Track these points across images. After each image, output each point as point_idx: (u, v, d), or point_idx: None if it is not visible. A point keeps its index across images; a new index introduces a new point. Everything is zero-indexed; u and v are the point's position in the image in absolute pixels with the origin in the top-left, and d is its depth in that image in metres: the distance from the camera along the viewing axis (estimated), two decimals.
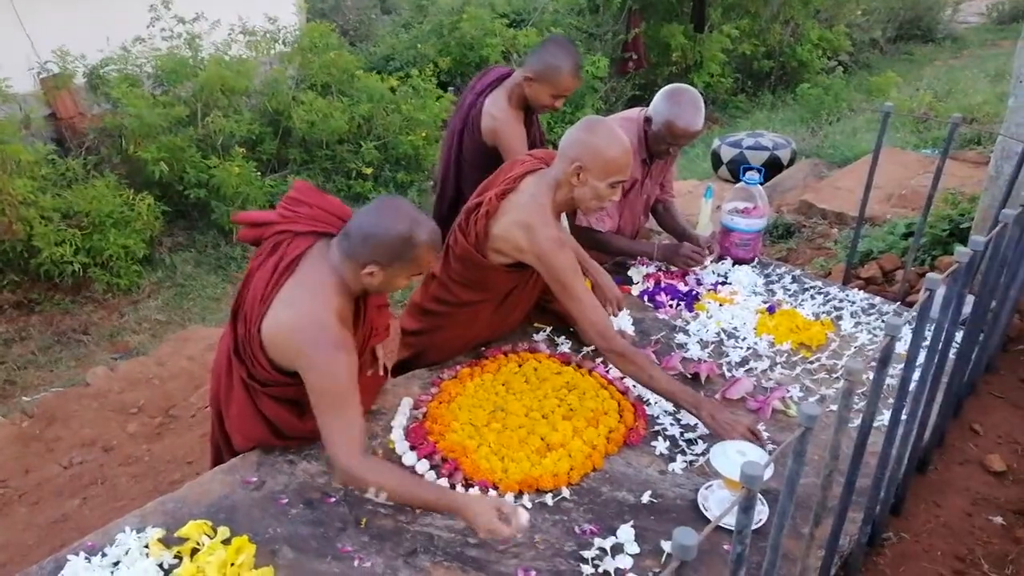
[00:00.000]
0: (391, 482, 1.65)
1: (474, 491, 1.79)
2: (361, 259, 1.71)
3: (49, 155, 5.12)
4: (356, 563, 1.61)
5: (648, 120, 2.66)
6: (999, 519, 2.09)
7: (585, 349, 2.38)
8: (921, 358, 1.69)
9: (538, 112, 2.79)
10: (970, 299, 2.15)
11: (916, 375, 1.68)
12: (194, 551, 1.60)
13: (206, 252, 5.63)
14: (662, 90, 2.66)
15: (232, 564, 1.56)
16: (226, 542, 1.62)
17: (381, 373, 2.13)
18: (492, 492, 1.79)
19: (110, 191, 5.05)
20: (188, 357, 3.90)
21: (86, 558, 1.58)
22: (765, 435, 2.01)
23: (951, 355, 2.00)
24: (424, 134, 6.72)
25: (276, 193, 5.81)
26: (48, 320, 4.76)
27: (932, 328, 1.69)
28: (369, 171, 6.44)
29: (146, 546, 1.60)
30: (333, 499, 1.78)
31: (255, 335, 1.76)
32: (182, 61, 6.04)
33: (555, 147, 2.16)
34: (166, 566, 1.57)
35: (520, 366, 2.28)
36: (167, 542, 1.62)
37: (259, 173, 5.84)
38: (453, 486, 1.81)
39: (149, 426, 3.38)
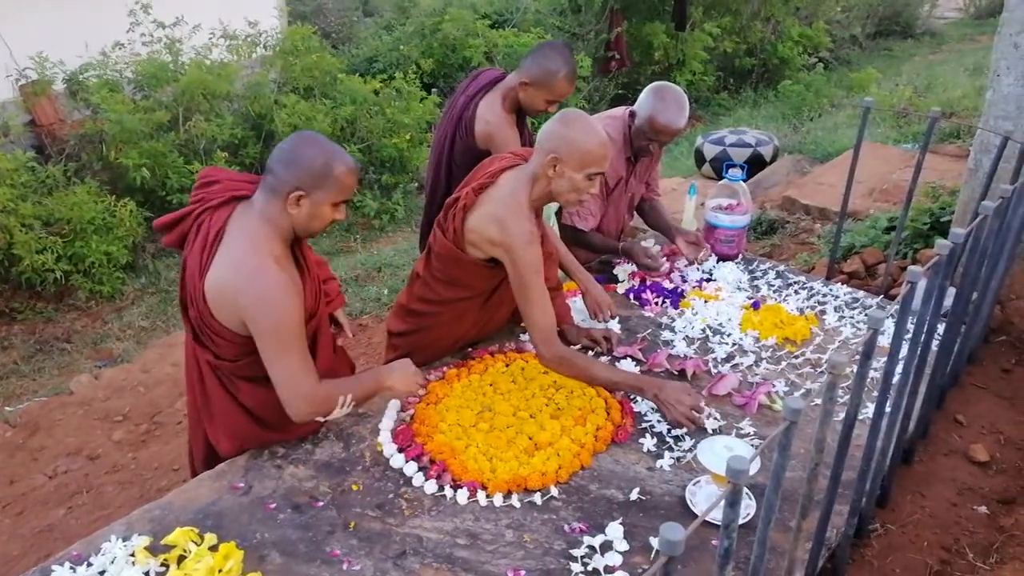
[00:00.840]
0: (341, 391, 1.81)
1: (463, 492, 1.79)
2: (285, 188, 1.72)
3: (29, 162, 5.07)
4: (345, 566, 1.60)
5: (633, 115, 2.67)
6: (983, 508, 2.11)
7: (572, 348, 2.38)
8: (904, 351, 1.70)
9: (531, 115, 2.77)
10: (951, 291, 2.17)
11: (899, 368, 1.70)
12: (181, 558, 1.59)
13: None
14: (648, 87, 2.67)
15: (220, 571, 1.54)
16: (213, 548, 1.60)
17: (350, 336, 2.23)
18: (481, 493, 1.79)
19: (91, 198, 5.01)
20: (173, 363, 3.87)
21: (71, 568, 1.56)
22: (751, 430, 2.02)
23: (934, 347, 2.02)
24: (408, 136, 6.71)
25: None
26: (30, 329, 4.71)
27: (914, 320, 1.70)
28: None
29: (132, 554, 1.59)
30: (321, 503, 1.77)
31: (204, 308, 1.76)
32: (162, 66, 6.00)
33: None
34: (153, 574, 1.56)
35: (507, 366, 2.28)
36: (153, 550, 1.61)
37: None
38: (442, 487, 1.81)
39: (135, 433, 3.35)
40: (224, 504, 1.76)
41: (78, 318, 4.87)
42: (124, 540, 1.63)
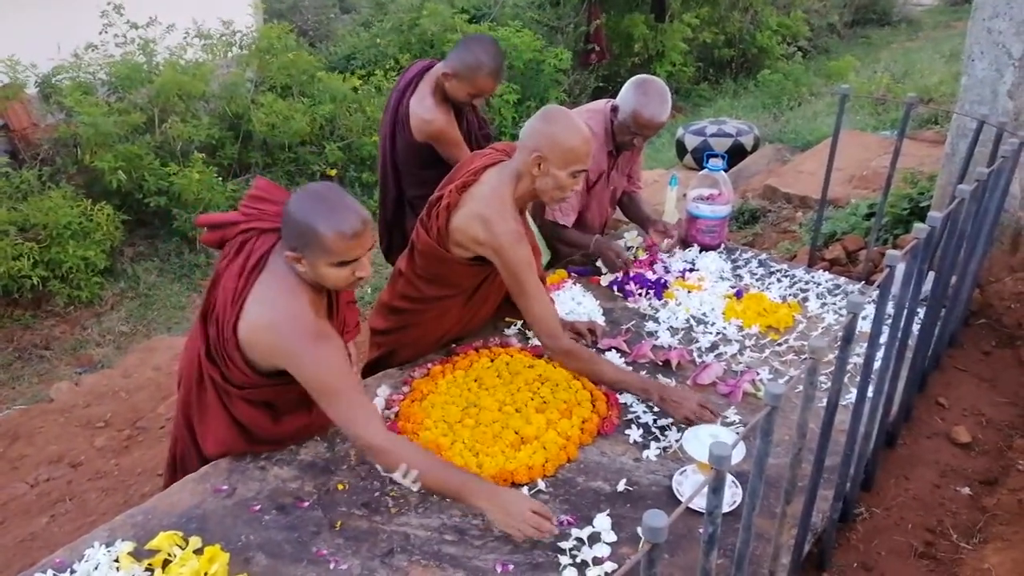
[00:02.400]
0: (419, 460, 1.67)
1: None
2: (286, 245, 1.70)
3: (2, 168, 5.01)
4: (332, 566, 1.59)
5: (615, 110, 2.67)
6: (966, 490, 2.13)
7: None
8: (886, 335, 1.71)
9: (456, 105, 2.75)
10: (931, 275, 2.18)
11: (881, 352, 1.71)
12: (166, 563, 1.57)
13: (169, 260, 5.54)
14: (630, 80, 2.66)
15: (205, 574, 1.53)
16: (198, 552, 1.59)
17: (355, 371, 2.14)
18: None
19: (67, 202, 4.94)
20: (154, 368, 3.84)
21: (54, 575, 1.54)
22: (736, 418, 2.03)
23: (915, 331, 2.03)
24: None
25: (238, 198, 5.73)
26: (8, 336, 4.64)
27: (895, 305, 1.71)
28: (333, 172, 6.38)
29: (116, 560, 1.57)
30: (307, 503, 1.75)
31: (230, 337, 1.74)
32: (136, 67, 5.93)
33: (510, 138, 2.16)
34: None
35: (492, 361, 2.27)
36: (137, 555, 1.59)
37: (220, 178, 5.76)
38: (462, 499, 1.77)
39: (117, 439, 3.32)
40: (208, 507, 1.74)
41: (56, 324, 4.81)
42: (107, 546, 1.61)
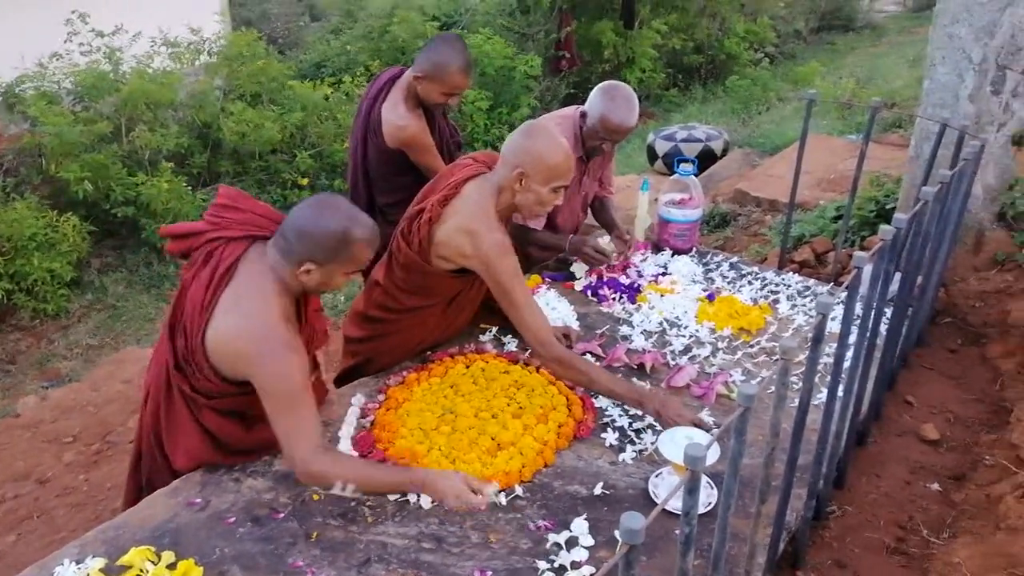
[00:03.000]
0: (353, 472, 1.71)
1: (426, 496, 1.77)
2: (298, 257, 1.69)
3: None
4: None
5: (584, 116, 2.68)
6: (936, 486, 2.17)
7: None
8: (855, 336, 1.74)
9: (433, 110, 2.76)
10: (897, 276, 2.23)
11: (850, 352, 1.74)
12: None
13: (138, 271, 5.46)
14: (597, 87, 2.68)
15: None
16: (171, 567, 1.56)
17: (324, 377, 2.12)
18: None
19: (32, 213, 4.85)
20: (124, 380, 3.77)
21: None
22: (711, 420, 2.04)
23: (882, 331, 2.07)
24: None
25: (208, 207, 5.67)
26: None
27: (863, 306, 1.74)
28: (305, 181, 6.34)
29: None
30: (282, 514, 1.74)
31: (198, 346, 1.72)
32: (102, 75, 5.85)
33: (489, 147, 2.16)
34: None
35: (467, 367, 2.26)
36: (109, 571, 1.56)
37: (190, 187, 5.70)
38: (405, 492, 1.79)
39: (86, 454, 3.25)
40: (181, 521, 1.72)
41: (22, 338, 4.71)
42: (78, 563, 1.58)
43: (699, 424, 1.93)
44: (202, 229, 1.80)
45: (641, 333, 2.48)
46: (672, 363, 2.32)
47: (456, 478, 1.69)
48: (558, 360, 2.01)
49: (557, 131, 2.08)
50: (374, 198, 2.85)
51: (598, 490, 1.81)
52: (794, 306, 2.65)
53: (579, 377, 2.03)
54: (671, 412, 1.94)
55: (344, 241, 1.69)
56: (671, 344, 2.42)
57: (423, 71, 2.56)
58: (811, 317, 2.57)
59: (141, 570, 1.56)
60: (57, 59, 5.88)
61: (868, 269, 1.61)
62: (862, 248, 3.52)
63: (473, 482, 1.68)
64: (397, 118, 2.63)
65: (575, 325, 2.51)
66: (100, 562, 1.58)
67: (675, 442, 1.71)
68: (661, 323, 2.54)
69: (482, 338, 2.44)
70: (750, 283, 2.80)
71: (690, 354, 2.37)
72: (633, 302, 2.66)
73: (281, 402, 1.67)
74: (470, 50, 2.63)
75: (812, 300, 2.68)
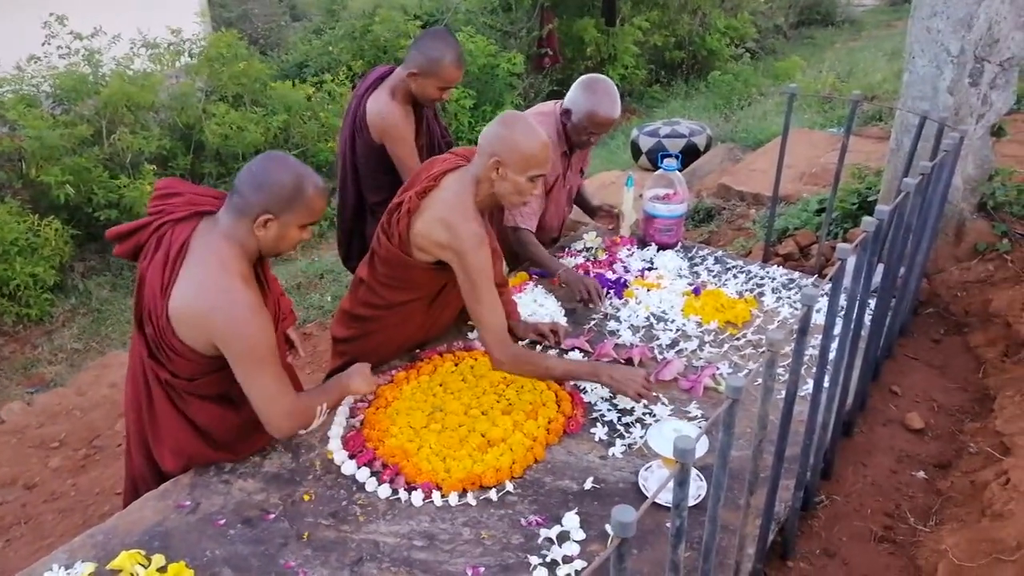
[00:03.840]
0: (317, 399, 1.87)
1: (417, 494, 1.78)
2: (254, 211, 1.70)
3: None
4: None
5: (567, 112, 2.68)
6: (921, 474, 2.20)
7: (521, 343, 2.39)
8: (839, 327, 1.76)
9: (427, 107, 2.76)
10: (880, 267, 2.25)
11: (835, 343, 1.75)
12: None
13: (122, 275, 5.41)
14: (577, 82, 2.68)
15: None
16: (162, 570, 1.56)
17: (302, 354, 2.24)
18: (436, 493, 1.78)
19: (13, 218, 4.81)
20: (110, 384, 3.75)
21: None
22: (699, 412, 2.06)
23: (866, 321, 2.09)
24: None
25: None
26: None
27: (847, 297, 1.76)
28: None
29: None
30: (272, 515, 1.73)
31: (165, 325, 1.72)
32: (82, 78, 5.80)
33: (468, 143, 2.17)
34: None
35: (456, 365, 2.27)
36: None
37: None
38: (396, 491, 1.80)
39: (73, 459, 3.23)
40: (171, 524, 1.71)
41: (5, 344, 4.67)
42: (67, 568, 1.57)
43: (648, 386, 2.01)
44: (147, 222, 1.79)
45: (628, 328, 2.49)
46: (660, 357, 2.33)
47: (364, 368, 1.97)
48: (513, 358, 2.04)
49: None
50: (363, 197, 2.85)
51: (588, 485, 1.82)
52: (779, 299, 2.67)
53: (535, 371, 2.08)
54: (624, 375, 2.02)
55: (299, 188, 1.71)
56: (658, 338, 2.44)
57: (417, 67, 2.56)
58: (796, 309, 2.59)
59: (132, 574, 1.55)
60: (35, 62, 5.82)
61: (852, 261, 1.62)
62: (845, 240, 3.55)
63: (366, 371, 1.98)
64: (379, 107, 2.63)
65: (563, 321, 2.52)
66: (90, 567, 1.57)
67: (664, 436, 1.72)
68: (648, 318, 2.55)
69: (470, 336, 2.45)
70: (735, 277, 2.82)
71: (677, 348, 2.39)
72: (620, 297, 2.67)
73: (247, 362, 1.70)
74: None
75: (797, 292, 2.71)
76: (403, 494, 1.79)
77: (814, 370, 1.70)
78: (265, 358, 1.72)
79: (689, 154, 6.06)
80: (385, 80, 2.68)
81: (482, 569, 1.59)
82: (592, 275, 2.78)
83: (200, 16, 7.58)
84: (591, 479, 1.83)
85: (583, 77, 2.70)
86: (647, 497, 1.76)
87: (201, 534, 1.68)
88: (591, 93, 2.60)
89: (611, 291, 2.69)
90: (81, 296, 5.16)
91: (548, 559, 1.61)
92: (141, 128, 5.84)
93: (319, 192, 1.76)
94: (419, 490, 1.79)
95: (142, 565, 1.57)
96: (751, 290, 2.73)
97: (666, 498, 1.65)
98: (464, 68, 2.66)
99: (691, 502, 1.70)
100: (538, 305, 2.58)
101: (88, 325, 4.88)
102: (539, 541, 1.66)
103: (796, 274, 2.86)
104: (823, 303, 2.40)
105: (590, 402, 2.12)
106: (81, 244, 5.46)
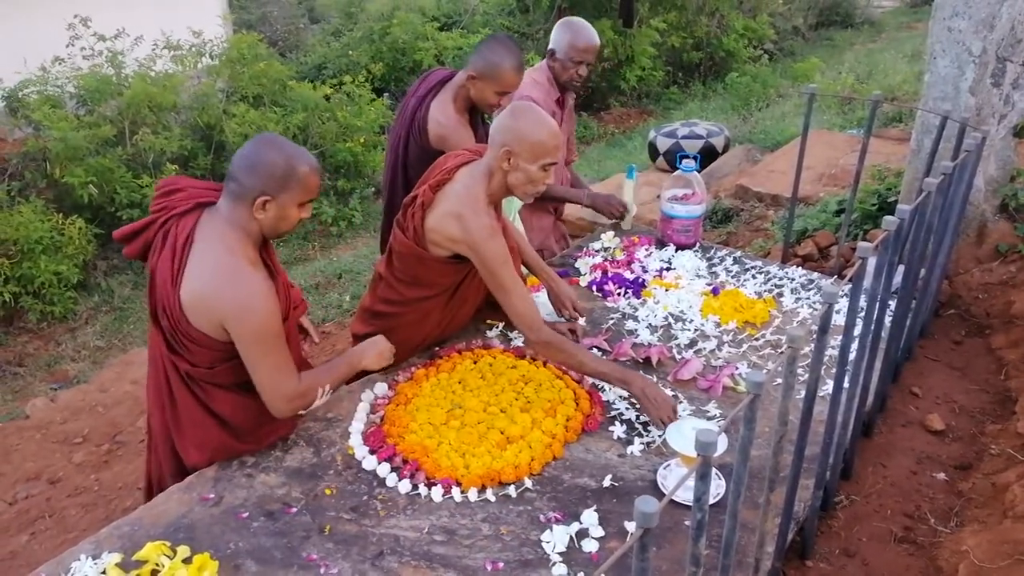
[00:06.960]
0: (322, 379, 1.88)
1: (437, 489, 1.79)
2: (251, 194, 1.72)
3: None
4: (323, 570, 1.59)
5: (552, 54, 2.85)
6: (942, 475, 2.18)
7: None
8: (859, 327, 1.75)
9: (485, 112, 2.78)
10: (901, 268, 2.24)
11: (855, 343, 1.75)
12: (154, 573, 1.57)
13: (143, 274, 5.48)
14: (556, 24, 2.89)
15: None
16: (187, 561, 1.58)
17: (317, 340, 2.28)
18: (455, 489, 1.80)
19: (38, 217, 4.89)
20: (132, 381, 3.80)
21: None
22: (717, 412, 2.06)
23: (887, 322, 2.08)
24: (362, 140, 6.67)
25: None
26: None
27: (867, 297, 1.76)
28: None
29: (103, 572, 1.56)
30: (294, 509, 1.76)
31: (180, 316, 1.75)
32: (105, 79, 5.88)
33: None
34: None
35: (475, 363, 2.28)
36: (125, 567, 1.58)
37: None
38: (416, 486, 1.81)
39: (96, 455, 3.28)
40: (195, 516, 1.74)
41: (30, 341, 4.74)
42: (94, 559, 1.60)
43: (673, 415, 1.97)
44: (152, 220, 1.82)
45: (647, 327, 2.49)
46: (678, 357, 2.34)
47: (375, 346, 2.02)
48: (547, 343, 2.05)
49: (535, 87, 2.16)
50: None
51: (607, 482, 1.83)
52: (798, 299, 2.66)
53: (569, 360, 2.08)
54: (656, 395, 1.99)
55: (291, 167, 1.73)
56: (677, 338, 2.44)
57: (477, 71, 2.58)
58: (815, 310, 2.58)
59: (157, 564, 1.58)
60: (59, 63, 5.91)
61: (872, 261, 1.62)
62: (865, 240, 3.53)
63: (382, 345, 2.03)
64: (442, 116, 2.64)
65: (581, 320, 2.52)
66: (116, 557, 1.60)
67: (683, 434, 1.72)
68: (666, 317, 2.56)
69: (489, 334, 2.46)
70: (754, 277, 2.82)
71: (696, 348, 2.39)
72: (638, 297, 2.68)
73: (254, 344, 1.73)
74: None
75: (816, 293, 2.70)
76: (423, 489, 1.80)
77: (834, 370, 1.70)
78: (271, 340, 1.74)
79: (707, 155, 6.04)
80: (446, 84, 2.70)
81: (501, 564, 1.61)
82: (611, 275, 2.79)
83: (222, 18, 7.66)
84: (609, 477, 1.84)
85: (560, 21, 2.90)
86: (665, 495, 1.77)
87: (225, 527, 1.71)
88: (569, 29, 2.82)
89: (629, 291, 2.70)
90: (104, 294, 5.23)
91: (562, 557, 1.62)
92: (163, 128, 5.91)
93: (313, 169, 1.78)
94: (439, 486, 1.80)
95: (167, 556, 1.60)
96: (770, 290, 2.73)
97: (684, 496, 1.66)
98: (523, 74, 2.69)
99: (710, 500, 1.70)
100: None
101: (110, 323, 4.95)
102: (559, 537, 1.66)
103: (815, 275, 2.85)
104: (843, 304, 2.39)
105: (608, 400, 2.13)
106: (104, 243, 5.54)
